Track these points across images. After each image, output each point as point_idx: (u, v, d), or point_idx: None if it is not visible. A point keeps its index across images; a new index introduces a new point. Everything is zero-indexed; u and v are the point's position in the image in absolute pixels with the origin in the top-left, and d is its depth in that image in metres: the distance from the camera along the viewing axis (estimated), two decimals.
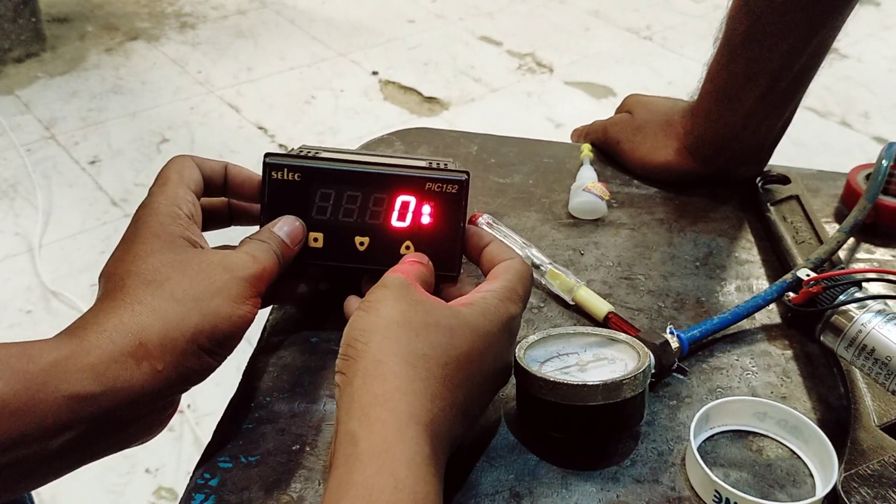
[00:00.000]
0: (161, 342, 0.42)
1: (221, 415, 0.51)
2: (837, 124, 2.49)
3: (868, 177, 0.68)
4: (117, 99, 2.43)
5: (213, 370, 0.45)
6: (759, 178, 0.72)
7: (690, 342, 0.55)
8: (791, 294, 0.55)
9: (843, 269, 0.59)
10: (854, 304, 0.50)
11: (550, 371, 0.48)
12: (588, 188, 0.69)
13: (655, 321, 0.59)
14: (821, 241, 0.63)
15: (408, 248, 0.52)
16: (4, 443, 0.37)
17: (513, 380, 0.49)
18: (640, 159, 0.74)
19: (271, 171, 0.51)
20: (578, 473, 0.47)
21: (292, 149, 0.55)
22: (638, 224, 0.69)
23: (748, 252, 0.67)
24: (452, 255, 0.52)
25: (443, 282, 0.52)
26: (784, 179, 0.72)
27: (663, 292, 0.62)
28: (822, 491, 0.46)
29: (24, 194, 2.02)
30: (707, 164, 0.71)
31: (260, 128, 2.35)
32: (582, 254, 0.66)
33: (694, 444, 0.47)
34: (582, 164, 0.74)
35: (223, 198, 0.55)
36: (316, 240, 0.52)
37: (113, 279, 0.44)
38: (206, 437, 0.49)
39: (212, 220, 0.54)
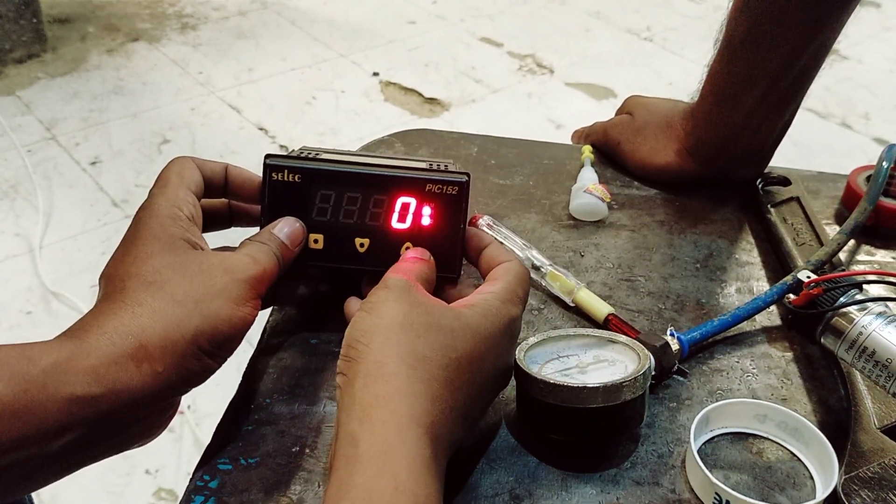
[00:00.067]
0: (161, 344, 0.42)
1: (221, 416, 0.51)
2: (838, 125, 2.48)
3: (869, 178, 0.68)
4: (118, 100, 2.43)
5: (213, 372, 0.45)
6: (759, 180, 0.72)
7: (691, 344, 0.55)
8: (791, 296, 0.55)
9: (843, 271, 0.59)
10: (855, 307, 0.50)
11: (550, 373, 0.48)
12: (588, 190, 0.69)
13: (655, 323, 0.59)
14: (821, 243, 0.63)
15: (408, 249, 0.52)
16: (4, 444, 0.37)
17: (513, 382, 0.49)
18: (641, 161, 0.74)
19: (272, 173, 0.51)
20: (578, 476, 0.47)
21: (293, 150, 0.55)
22: (638, 226, 0.69)
23: (748, 254, 0.67)
24: (453, 257, 0.52)
25: (443, 283, 0.52)
26: (784, 181, 0.72)
27: (663, 294, 0.62)
28: (822, 493, 0.46)
29: (24, 195, 2.02)
30: (707, 166, 0.71)
31: (261, 129, 2.35)
32: (582, 255, 0.66)
33: (694, 447, 0.47)
34: (582, 166, 0.74)
35: (223, 199, 0.55)
36: (316, 241, 0.52)
37: (113, 281, 0.44)
38: (207, 438, 0.49)
39: (212, 221, 0.54)
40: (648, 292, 0.62)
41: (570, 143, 0.83)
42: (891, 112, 2.56)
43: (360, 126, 2.38)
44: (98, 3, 2.98)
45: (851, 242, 0.67)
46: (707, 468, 0.45)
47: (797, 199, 0.69)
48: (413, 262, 0.49)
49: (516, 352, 0.49)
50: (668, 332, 0.55)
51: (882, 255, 0.67)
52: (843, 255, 0.64)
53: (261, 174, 0.52)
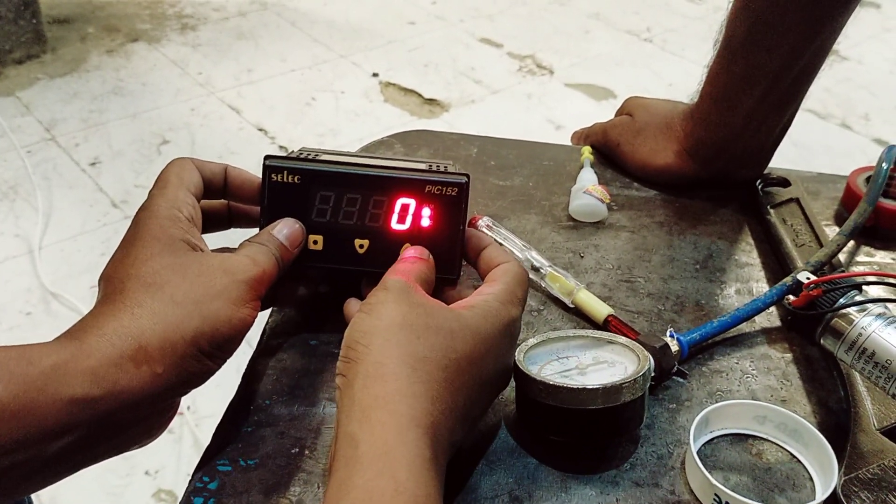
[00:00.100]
0: (161, 345, 0.42)
1: (221, 417, 0.51)
2: (838, 126, 2.49)
3: (868, 179, 0.68)
4: (118, 100, 2.43)
5: (212, 373, 0.45)
6: (759, 181, 0.72)
7: (690, 345, 0.55)
8: (791, 297, 0.55)
9: (843, 272, 0.59)
10: (854, 308, 0.50)
11: (550, 374, 0.48)
12: (588, 191, 0.69)
13: (655, 324, 0.59)
14: (821, 244, 0.63)
15: (407, 248, 0.52)
16: (4, 446, 0.37)
17: (512, 383, 0.49)
18: (641, 162, 0.74)
19: (271, 174, 0.51)
20: (578, 477, 0.47)
21: (292, 151, 0.55)
22: (638, 227, 0.69)
23: (748, 255, 0.67)
24: (453, 258, 0.52)
25: (443, 285, 0.52)
26: (784, 182, 0.72)
27: (663, 295, 0.62)
28: (821, 495, 0.46)
29: (24, 196, 2.02)
30: (707, 167, 0.71)
31: (260, 129, 2.35)
32: (582, 256, 0.66)
33: (693, 448, 0.47)
34: (582, 167, 0.74)
35: (223, 200, 0.55)
36: (316, 242, 0.52)
37: (113, 282, 0.44)
38: (206, 439, 0.49)
39: (211, 222, 0.54)
40: (648, 293, 0.62)
41: (570, 144, 0.83)
42: (890, 113, 2.56)
43: (359, 127, 2.38)
44: (98, 4, 2.98)
45: (851, 243, 0.67)
46: (707, 469, 0.45)
47: (797, 201, 0.69)
48: (412, 262, 0.49)
49: (516, 353, 0.49)
50: (668, 334, 0.55)
51: (882, 257, 0.67)
52: (842, 257, 0.64)
53: (260, 175, 0.52)
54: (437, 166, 0.54)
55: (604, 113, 2.03)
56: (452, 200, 0.51)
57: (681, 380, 0.54)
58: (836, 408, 0.53)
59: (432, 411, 0.40)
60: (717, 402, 0.51)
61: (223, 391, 0.54)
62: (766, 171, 0.73)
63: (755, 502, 0.43)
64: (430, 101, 2.53)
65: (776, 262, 0.65)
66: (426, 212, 0.51)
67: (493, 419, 0.51)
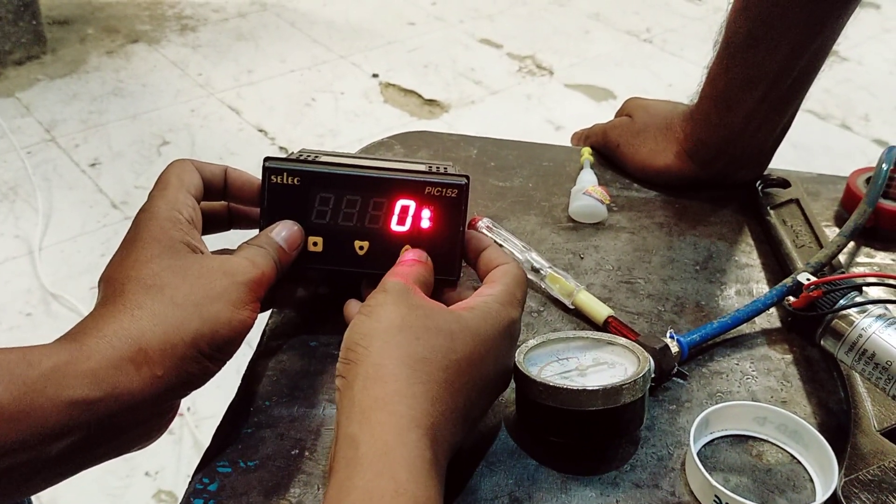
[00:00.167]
0: (161, 347, 0.42)
1: (221, 419, 0.51)
2: (838, 127, 2.49)
3: (868, 180, 0.68)
4: (118, 101, 2.43)
5: (212, 375, 0.45)
6: (758, 182, 0.72)
7: (690, 346, 0.55)
8: (791, 298, 0.55)
9: (843, 273, 0.59)
10: (854, 309, 0.50)
11: (550, 376, 0.48)
12: (588, 192, 0.69)
13: (655, 325, 0.59)
14: (821, 245, 0.63)
15: (406, 250, 0.52)
16: (4, 448, 0.37)
17: (512, 384, 0.49)
18: (640, 163, 0.74)
19: (271, 175, 0.51)
20: (578, 478, 0.47)
21: (292, 153, 0.55)
22: (638, 228, 0.69)
23: (748, 256, 0.67)
24: (452, 260, 0.52)
25: (443, 286, 0.52)
26: (784, 183, 0.72)
27: (663, 296, 0.62)
28: (822, 496, 0.46)
29: (24, 197, 2.02)
30: (707, 168, 0.71)
31: (260, 130, 2.35)
32: (582, 257, 0.66)
33: (694, 449, 0.47)
34: (582, 168, 0.74)
35: (223, 201, 0.55)
36: (315, 244, 0.52)
37: (113, 284, 0.44)
38: (206, 440, 0.49)
39: (211, 223, 0.54)
40: (648, 294, 0.62)
41: (570, 144, 0.83)
42: (890, 114, 2.56)
43: (359, 128, 2.38)
44: (97, 5, 2.98)
45: (851, 244, 0.66)
46: (707, 471, 0.45)
47: (797, 201, 0.69)
48: (410, 264, 0.49)
49: (516, 354, 0.49)
50: (668, 335, 0.55)
51: (882, 258, 0.67)
52: (842, 258, 0.64)
53: (260, 176, 0.52)
54: (437, 168, 0.54)
55: (603, 114, 2.04)
56: (452, 202, 0.51)
57: (681, 381, 0.54)
58: (836, 409, 0.53)
59: (432, 412, 0.40)
60: (717, 403, 0.51)
61: (223, 392, 0.54)
62: (765, 172, 0.73)
63: None
64: (430, 101, 2.53)
65: (776, 263, 0.65)
66: (426, 213, 0.51)
67: (493, 420, 0.51)
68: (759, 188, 0.72)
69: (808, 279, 0.54)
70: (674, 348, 0.53)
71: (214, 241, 0.52)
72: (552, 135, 2.34)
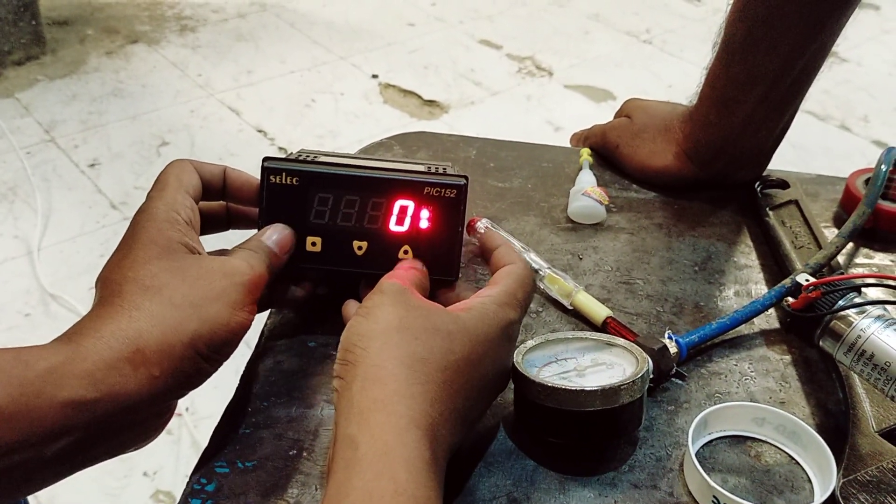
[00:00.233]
0: (159, 348, 0.42)
1: (219, 419, 0.50)
2: (837, 128, 2.49)
3: (867, 181, 0.68)
4: (117, 102, 2.43)
5: (209, 376, 0.45)
6: (758, 183, 0.72)
7: (689, 347, 0.55)
8: (790, 299, 0.55)
9: (842, 274, 0.59)
10: (853, 310, 0.50)
11: (549, 376, 0.48)
12: (587, 192, 0.69)
13: (654, 326, 0.59)
14: (820, 246, 0.63)
15: (406, 252, 0.52)
16: (1, 448, 0.37)
17: (511, 385, 0.49)
18: (640, 164, 0.74)
19: (270, 176, 0.51)
20: (576, 479, 0.47)
21: (291, 153, 0.55)
22: (637, 228, 0.69)
23: (747, 257, 0.67)
24: (451, 260, 0.52)
25: (441, 286, 0.52)
26: (783, 184, 0.72)
27: (662, 297, 0.62)
28: (820, 497, 0.45)
29: (23, 197, 2.02)
30: (706, 169, 0.71)
31: (260, 131, 2.35)
32: (580, 258, 0.66)
33: (692, 450, 0.47)
34: (581, 169, 0.74)
35: (222, 202, 0.55)
36: (314, 244, 0.52)
37: (110, 285, 0.44)
38: (204, 440, 0.49)
39: (210, 223, 0.54)
40: (647, 295, 0.62)
41: (569, 145, 0.83)
42: (890, 115, 2.56)
43: (359, 128, 2.38)
44: (97, 6, 2.98)
45: (850, 245, 0.66)
46: (705, 471, 0.45)
47: (796, 202, 0.69)
48: (406, 269, 0.49)
49: (514, 355, 0.49)
50: (667, 335, 0.54)
51: (881, 258, 0.67)
52: (841, 259, 0.64)
53: (259, 177, 0.52)
54: (436, 168, 0.54)
55: (603, 114, 2.04)
56: (451, 202, 0.51)
57: (679, 382, 0.54)
58: (834, 410, 0.53)
59: (431, 413, 0.40)
60: (715, 403, 0.51)
61: (221, 392, 0.54)
62: (765, 173, 0.73)
63: None
64: (430, 102, 2.53)
65: (775, 264, 0.65)
66: (425, 213, 0.51)
67: (492, 421, 0.51)
68: (758, 189, 0.72)
69: (807, 280, 0.54)
70: (672, 349, 0.53)
71: (213, 242, 0.52)
72: (551, 135, 2.34)
